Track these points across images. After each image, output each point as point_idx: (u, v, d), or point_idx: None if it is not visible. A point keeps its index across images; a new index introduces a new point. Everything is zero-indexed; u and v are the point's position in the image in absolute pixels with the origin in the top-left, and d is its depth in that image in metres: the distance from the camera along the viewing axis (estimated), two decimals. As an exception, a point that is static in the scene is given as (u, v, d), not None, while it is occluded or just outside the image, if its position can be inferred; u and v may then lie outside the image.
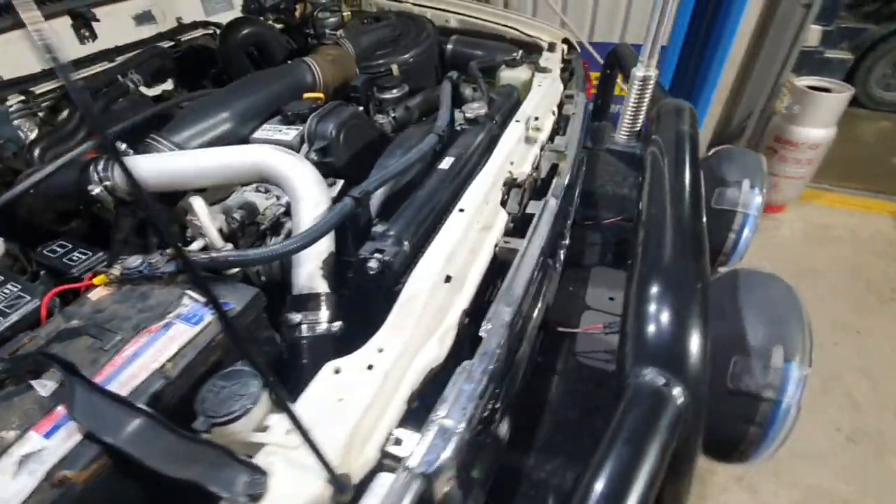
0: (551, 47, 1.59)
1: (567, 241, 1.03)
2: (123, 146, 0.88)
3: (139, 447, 0.47)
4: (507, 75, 1.40)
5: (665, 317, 0.57)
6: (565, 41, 1.68)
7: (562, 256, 1.00)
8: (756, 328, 0.62)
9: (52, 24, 1.17)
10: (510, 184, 0.96)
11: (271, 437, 0.52)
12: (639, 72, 0.90)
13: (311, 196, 0.77)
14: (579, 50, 1.69)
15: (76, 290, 0.68)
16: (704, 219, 0.71)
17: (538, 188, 1.00)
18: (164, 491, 0.48)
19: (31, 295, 0.67)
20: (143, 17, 1.36)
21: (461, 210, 0.79)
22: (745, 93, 3.80)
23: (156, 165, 0.81)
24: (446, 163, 0.89)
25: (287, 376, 0.73)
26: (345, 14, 1.80)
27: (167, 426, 0.49)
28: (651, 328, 0.57)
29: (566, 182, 1.01)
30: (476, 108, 1.04)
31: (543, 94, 1.26)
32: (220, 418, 0.51)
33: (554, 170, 1.05)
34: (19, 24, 1.08)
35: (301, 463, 0.50)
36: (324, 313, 0.72)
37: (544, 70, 1.42)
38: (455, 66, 1.66)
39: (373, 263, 0.69)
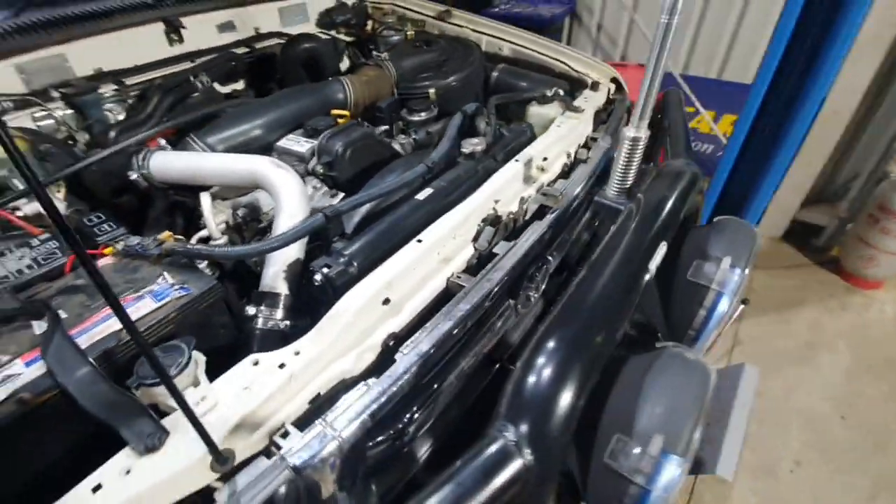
0: (594, 86, 1.59)
1: (542, 286, 1.05)
2: (163, 141, 1.06)
3: (78, 389, 0.60)
4: (536, 111, 1.43)
5: (546, 374, 0.59)
6: (614, 80, 1.66)
7: (533, 299, 1.03)
8: (650, 411, 0.61)
9: (148, 29, 1.41)
10: (489, 221, 1.00)
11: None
12: (629, 132, 0.90)
13: (289, 207, 0.87)
14: (626, 91, 1.66)
15: (94, 256, 0.84)
16: (640, 288, 0.70)
17: (516, 229, 1.03)
18: (92, 427, 0.60)
19: (63, 253, 0.85)
20: (226, 26, 1.57)
21: (419, 241, 0.86)
22: (854, 150, 3.43)
23: (180, 162, 0.97)
24: (423, 194, 0.96)
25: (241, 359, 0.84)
26: (409, 33, 1.93)
27: (104, 378, 0.61)
28: (531, 380, 0.60)
29: (546, 226, 1.03)
30: (474, 144, 1.10)
31: (560, 136, 1.27)
32: (147, 381, 0.62)
33: (542, 212, 1.07)
34: (118, 27, 1.32)
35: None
36: (278, 311, 0.83)
37: (575, 109, 1.43)
38: (498, 93, 1.71)
39: (317, 276, 0.78)
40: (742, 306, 2.84)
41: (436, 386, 0.82)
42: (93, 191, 1.10)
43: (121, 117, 1.35)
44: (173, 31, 1.44)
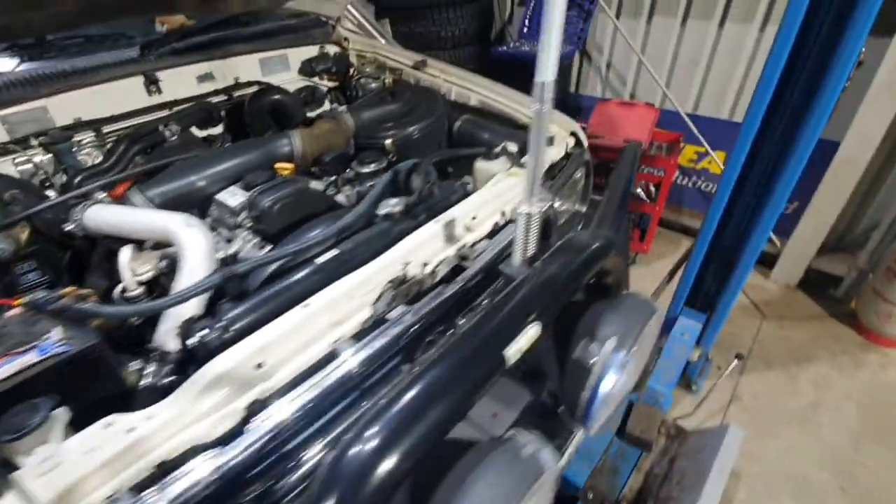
0: (549, 140, 1.59)
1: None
2: (103, 195, 1.15)
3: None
4: (482, 167, 1.45)
5: (363, 452, 0.60)
6: (573, 134, 1.66)
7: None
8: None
9: (130, 82, 1.53)
10: (396, 283, 1.02)
11: (25, 463, 0.67)
12: (522, 209, 0.91)
13: (190, 266, 0.93)
14: (585, 146, 1.66)
15: (7, 306, 0.92)
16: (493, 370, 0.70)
17: (422, 292, 1.04)
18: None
19: (-18, 300, 0.93)
20: (205, 77, 1.69)
21: (305, 305, 0.89)
22: (874, 199, 3.26)
23: (108, 215, 1.04)
24: (325, 256, 0.99)
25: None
26: (387, 81, 2.01)
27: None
28: (347, 456, 0.61)
29: (454, 289, 1.04)
30: (391, 205, 1.12)
31: (495, 194, 1.28)
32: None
33: (454, 275, 1.08)
34: (97, 81, 1.44)
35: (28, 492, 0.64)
36: (165, 368, 0.87)
37: (521, 166, 1.44)
38: (461, 144, 1.75)
39: (192, 339, 0.82)
40: (736, 361, 2.70)
41: (308, 450, 0.83)
42: (46, 236, 1.19)
43: (98, 161, 1.47)
44: (152, 82, 1.56)
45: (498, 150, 1.46)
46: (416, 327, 0.95)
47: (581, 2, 3.81)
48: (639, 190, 3.76)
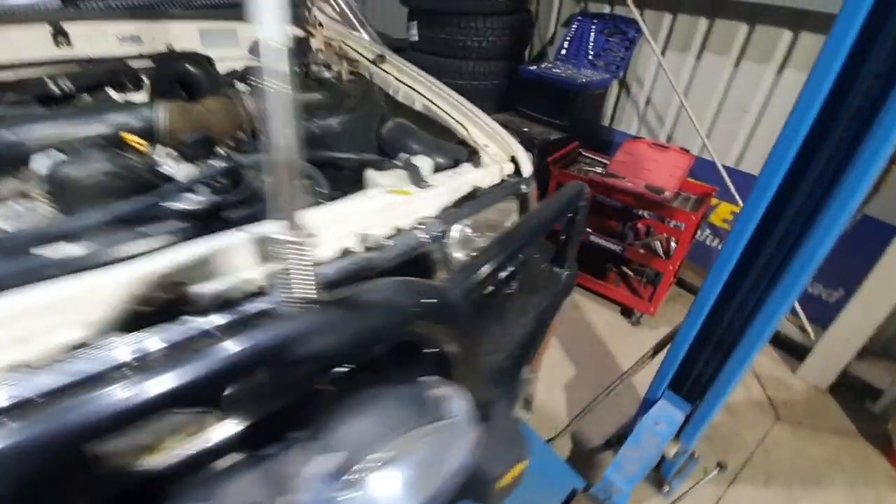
0: (476, 161, 1.31)
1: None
2: None
3: None
4: (372, 178, 1.19)
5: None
6: (513, 160, 1.37)
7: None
8: None
9: (35, 30, 1.41)
10: (142, 301, 0.78)
11: None
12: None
13: None
14: (526, 174, 1.36)
15: None
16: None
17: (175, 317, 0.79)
18: None
19: None
20: (130, 39, 1.55)
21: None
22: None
23: None
24: (55, 251, 0.77)
25: None
26: (342, 72, 1.80)
27: None
28: None
29: (221, 322, 0.78)
30: (194, 202, 0.89)
31: (356, 211, 1.02)
32: None
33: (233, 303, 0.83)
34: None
35: None
36: None
37: (418, 183, 1.17)
38: (385, 147, 1.50)
39: None
40: (717, 469, 2.23)
41: None
42: None
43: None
44: (60, 33, 1.44)
45: (399, 161, 1.20)
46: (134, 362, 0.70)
47: (625, 28, 3.47)
48: (657, 243, 3.34)
